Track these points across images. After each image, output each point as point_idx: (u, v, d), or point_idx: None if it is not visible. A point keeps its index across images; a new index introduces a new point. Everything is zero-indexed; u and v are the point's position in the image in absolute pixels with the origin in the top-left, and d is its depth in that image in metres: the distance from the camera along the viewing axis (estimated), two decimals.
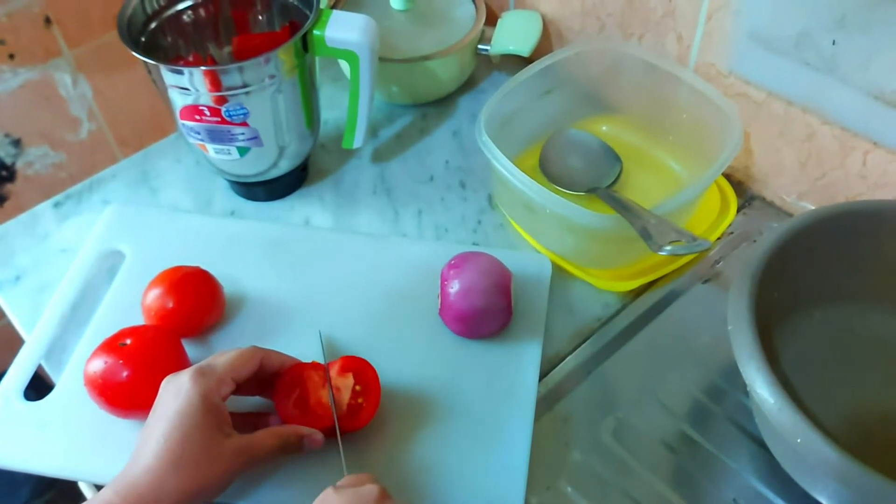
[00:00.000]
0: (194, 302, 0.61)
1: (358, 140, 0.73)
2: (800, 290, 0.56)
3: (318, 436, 0.53)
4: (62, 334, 0.64)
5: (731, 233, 0.69)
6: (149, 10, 0.67)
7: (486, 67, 0.86)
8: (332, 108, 0.82)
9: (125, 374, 0.54)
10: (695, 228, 0.68)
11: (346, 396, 0.54)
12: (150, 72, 0.63)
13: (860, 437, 0.52)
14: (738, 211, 0.70)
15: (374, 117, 0.82)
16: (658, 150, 0.73)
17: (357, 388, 0.55)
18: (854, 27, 0.56)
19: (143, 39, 0.66)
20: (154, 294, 0.60)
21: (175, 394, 0.49)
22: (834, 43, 0.57)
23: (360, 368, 0.55)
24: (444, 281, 0.60)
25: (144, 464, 0.47)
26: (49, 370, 0.63)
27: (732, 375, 0.58)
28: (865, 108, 0.58)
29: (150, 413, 0.50)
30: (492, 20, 0.82)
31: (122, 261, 0.68)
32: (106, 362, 0.55)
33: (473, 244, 0.70)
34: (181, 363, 0.57)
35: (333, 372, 0.55)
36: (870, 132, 0.59)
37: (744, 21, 0.63)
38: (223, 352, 0.54)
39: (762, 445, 0.54)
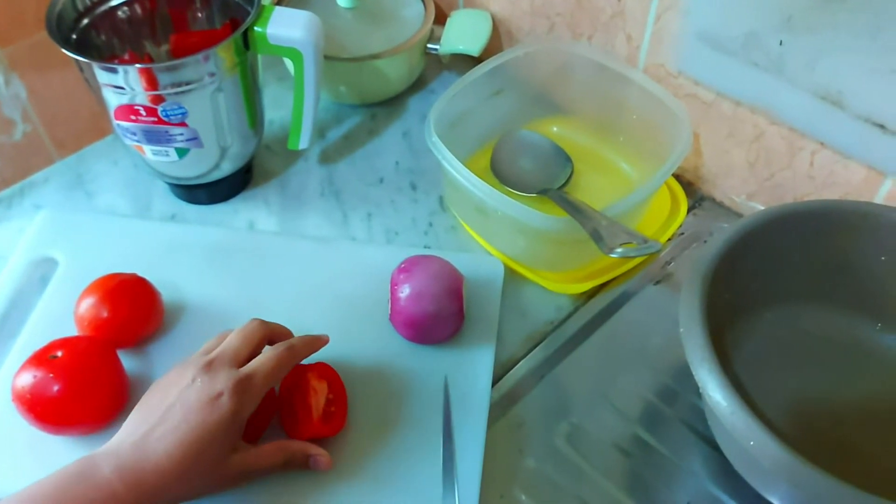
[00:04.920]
0: (130, 311, 0.58)
1: (304, 141, 0.71)
2: (750, 290, 0.56)
3: (326, 458, 0.52)
4: None
5: (682, 233, 0.69)
6: (80, 7, 0.64)
7: (435, 67, 0.85)
8: (277, 108, 0.80)
9: (56, 388, 0.52)
10: (645, 229, 0.67)
11: (321, 401, 0.53)
12: (81, 70, 0.61)
13: (810, 435, 0.53)
14: (689, 212, 0.70)
15: (321, 118, 0.80)
16: (608, 150, 0.73)
17: (330, 396, 0.54)
18: (801, 28, 0.56)
19: (74, 37, 0.63)
20: (88, 303, 0.57)
21: (209, 403, 0.47)
22: (781, 43, 0.58)
23: (331, 377, 0.55)
24: (394, 285, 0.59)
25: (156, 462, 0.46)
26: None
27: (685, 377, 0.58)
28: (812, 109, 0.59)
29: (169, 392, 0.48)
30: (441, 19, 0.81)
31: (54, 268, 0.65)
32: (35, 376, 0.52)
33: (425, 247, 0.68)
34: (116, 376, 0.55)
35: (311, 375, 0.54)
36: (817, 132, 0.60)
37: (692, 21, 0.63)
38: (248, 335, 0.52)
39: (715, 447, 0.54)
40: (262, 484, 0.52)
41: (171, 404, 0.48)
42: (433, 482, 0.53)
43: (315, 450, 0.52)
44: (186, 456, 0.46)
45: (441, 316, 0.58)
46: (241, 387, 0.48)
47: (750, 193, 0.68)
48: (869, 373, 0.56)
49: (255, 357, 0.51)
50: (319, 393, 0.54)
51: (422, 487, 0.53)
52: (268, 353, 0.52)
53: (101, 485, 0.44)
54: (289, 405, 0.54)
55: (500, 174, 0.70)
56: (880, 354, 0.57)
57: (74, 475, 0.45)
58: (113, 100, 0.61)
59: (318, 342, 0.55)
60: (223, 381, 0.48)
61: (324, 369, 0.55)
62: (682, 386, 0.59)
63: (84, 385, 0.53)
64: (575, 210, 0.59)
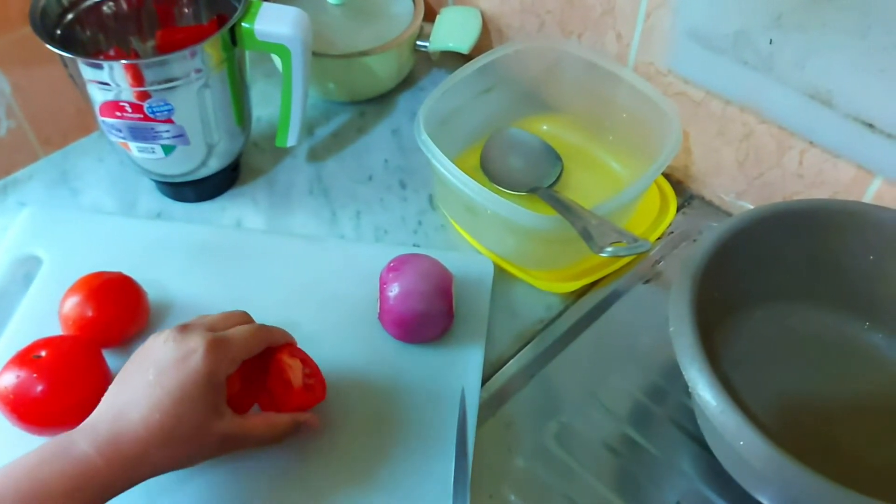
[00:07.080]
0: (115, 310, 0.57)
1: (292, 138, 0.70)
2: (740, 289, 0.56)
3: (314, 418, 0.53)
4: None
5: (672, 232, 0.69)
6: (64, 2, 0.63)
7: (425, 65, 0.85)
8: (265, 105, 0.79)
9: (39, 388, 0.51)
10: (635, 228, 0.67)
11: (299, 375, 0.53)
12: (66, 66, 0.60)
13: (799, 434, 0.53)
14: (678, 210, 0.70)
15: (310, 115, 0.79)
16: (598, 149, 0.72)
17: (306, 370, 0.54)
18: (791, 26, 0.56)
19: (58, 32, 0.63)
20: (72, 302, 0.57)
21: (182, 360, 0.46)
22: (771, 42, 0.58)
23: (302, 355, 0.54)
24: (383, 284, 0.59)
25: (133, 431, 0.44)
26: None
27: (674, 376, 0.58)
28: (802, 108, 0.59)
29: (146, 359, 0.47)
30: (430, 16, 0.80)
31: (38, 267, 0.64)
32: (18, 376, 0.51)
33: (414, 246, 0.68)
34: (101, 376, 0.54)
35: (281, 356, 0.54)
36: (806, 131, 0.60)
37: (682, 19, 0.63)
38: (228, 315, 0.52)
39: (704, 447, 0.54)
40: (260, 488, 0.52)
41: (145, 369, 0.47)
42: (427, 481, 0.52)
43: (303, 416, 0.52)
44: (164, 421, 0.45)
45: (430, 315, 0.57)
46: (215, 345, 0.47)
47: (739, 192, 0.68)
48: (857, 371, 0.56)
49: None
50: (294, 368, 0.53)
51: (408, 487, 0.52)
52: (243, 326, 0.51)
53: (79, 459, 0.43)
54: (266, 387, 0.53)
55: (490, 172, 0.69)
56: (868, 353, 0.57)
57: (52, 452, 0.44)
58: (98, 96, 0.60)
59: (287, 335, 0.55)
60: (197, 340, 0.47)
61: (293, 349, 0.54)
62: (671, 385, 0.58)
63: (68, 385, 0.52)
64: (565, 209, 0.59)
